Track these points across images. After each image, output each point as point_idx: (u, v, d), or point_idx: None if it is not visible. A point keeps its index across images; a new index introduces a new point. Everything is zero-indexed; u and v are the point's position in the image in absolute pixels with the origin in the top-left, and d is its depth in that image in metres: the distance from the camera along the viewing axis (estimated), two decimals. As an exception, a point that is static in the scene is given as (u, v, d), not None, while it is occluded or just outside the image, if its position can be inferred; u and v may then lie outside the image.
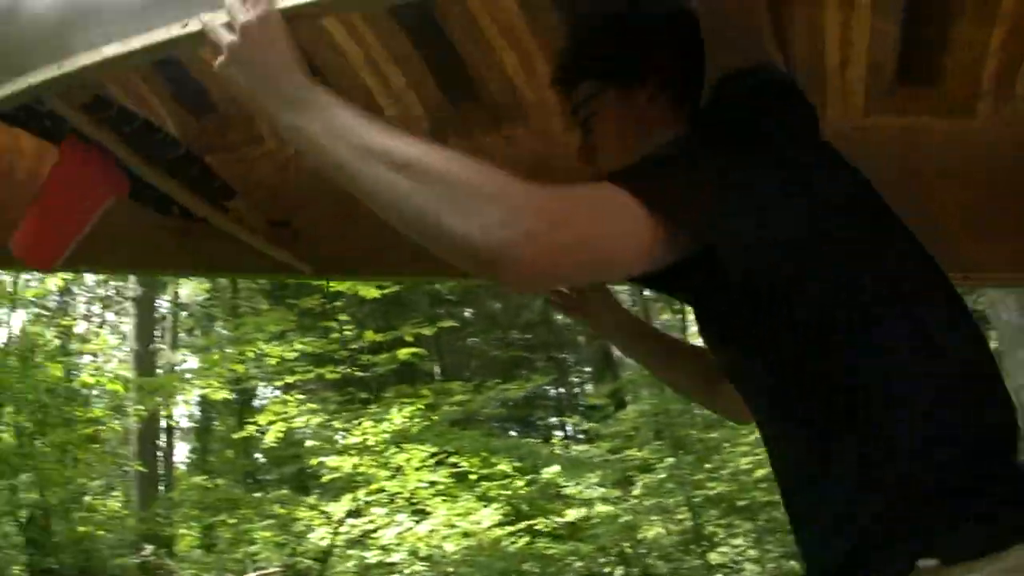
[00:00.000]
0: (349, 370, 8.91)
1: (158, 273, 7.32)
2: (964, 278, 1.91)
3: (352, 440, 8.10)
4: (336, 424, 8.71)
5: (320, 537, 7.97)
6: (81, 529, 9.01)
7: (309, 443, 9.61)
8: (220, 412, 12.25)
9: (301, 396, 9.32)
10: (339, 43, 1.66)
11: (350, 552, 7.92)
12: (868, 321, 1.06)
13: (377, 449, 7.93)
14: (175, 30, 1.12)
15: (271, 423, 8.54)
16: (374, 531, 7.83)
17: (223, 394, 9.33)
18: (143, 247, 2.11)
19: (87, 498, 9.09)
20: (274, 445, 9.02)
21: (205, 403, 11.52)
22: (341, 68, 1.73)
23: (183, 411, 11.83)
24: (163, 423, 11.54)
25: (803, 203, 1.09)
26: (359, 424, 8.06)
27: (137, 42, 1.15)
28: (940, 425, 1.01)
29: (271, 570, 7.89)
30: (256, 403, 12.17)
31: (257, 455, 11.57)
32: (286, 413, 8.54)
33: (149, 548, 8.46)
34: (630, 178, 1.00)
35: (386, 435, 7.93)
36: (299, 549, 8.03)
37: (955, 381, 1.05)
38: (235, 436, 10.34)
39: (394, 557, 7.62)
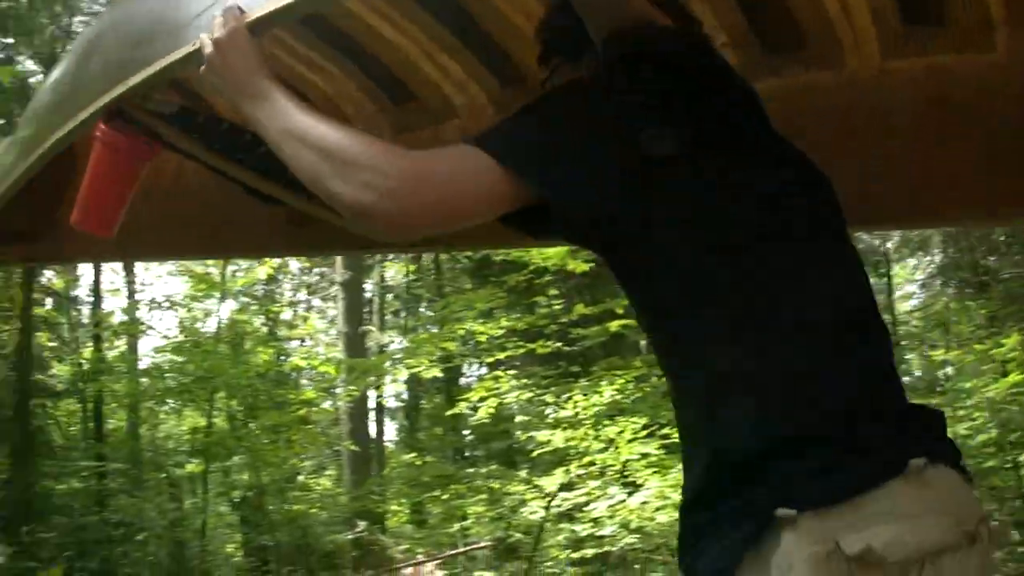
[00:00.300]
0: (559, 345, 9.07)
1: (282, 255, 7.97)
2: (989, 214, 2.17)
3: (563, 414, 8.25)
4: (546, 398, 8.90)
5: (531, 511, 8.19)
6: (295, 507, 9.68)
7: (519, 418, 9.87)
8: (428, 391, 12.77)
9: (510, 372, 9.61)
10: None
11: (560, 526, 8.15)
12: (741, 280, 1.19)
13: (588, 422, 8.04)
14: (189, 49, 1.44)
15: (483, 399, 8.86)
16: (585, 504, 7.95)
17: (433, 372, 9.73)
18: (265, 233, 2.41)
19: (300, 477, 9.74)
20: (485, 421, 9.38)
21: (413, 382, 12.10)
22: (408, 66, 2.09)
23: (392, 391, 12.45)
24: (372, 403, 12.21)
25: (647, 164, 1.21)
26: (569, 398, 8.18)
27: (164, 61, 1.48)
28: (801, 380, 1.14)
29: (482, 544, 8.16)
30: (462, 381, 12.66)
31: (465, 432, 12.04)
32: (498, 388, 8.83)
33: (362, 524, 9.02)
34: (485, 136, 1.23)
35: (597, 408, 8.01)
36: (510, 524, 8.28)
37: (818, 338, 1.17)
38: (446, 414, 10.80)
39: (605, 530, 7.72)
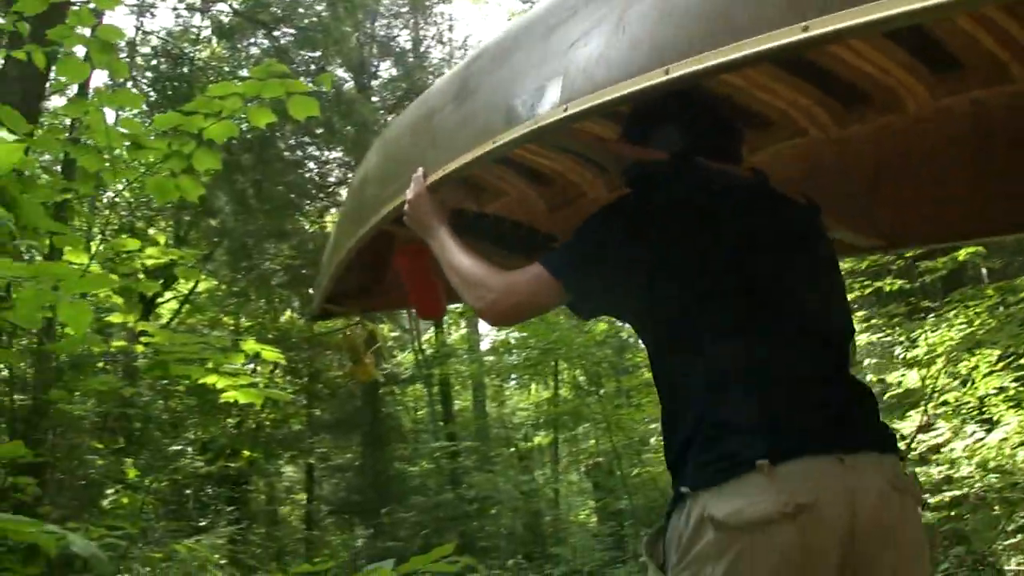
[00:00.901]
0: (905, 281, 9.21)
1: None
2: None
3: (915, 352, 8.39)
4: (896, 338, 9.13)
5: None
6: (647, 470, 10.41)
7: (867, 361, 10.02)
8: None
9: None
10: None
11: (916, 469, 8.20)
12: (677, 347, 2.04)
13: (940, 358, 8.14)
14: (400, 200, 2.48)
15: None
16: (941, 446, 8.14)
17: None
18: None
19: (653, 440, 10.55)
20: None
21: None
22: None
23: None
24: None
25: (645, 271, 2.04)
26: (920, 335, 8.35)
27: (389, 206, 2.61)
28: (708, 409, 1.93)
29: None
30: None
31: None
32: None
33: None
34: (548, 258, 2.10)
35: (948, 343, 8.09)
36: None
37: (722, 381, 1.94)
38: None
39: (962, 471, 7.86)
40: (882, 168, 2.89)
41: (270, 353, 5.09)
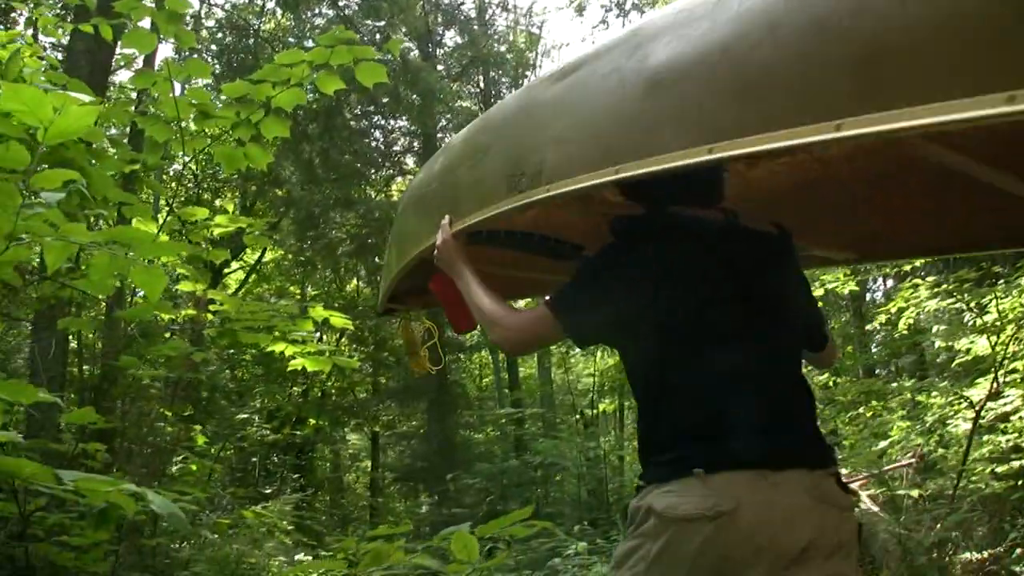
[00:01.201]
0: None
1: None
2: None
3: (984, 319, 8.24)
4: (965, 304, 8.90)
5: (953, 425, 8.34)
6: None
7: (935, 328, 9.93)
8: (835, 309, 13.10)
9: (927, 280, 9.71)
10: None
11: (985, 438, 8.20)
12: (671, 363, 2.30)
13: (1010, 325, 8.00)
14: (433, 241, 2.84)
15: (901, 311, 9.29)
16: (1012, 414, 7.89)
17: (849, 287, 10.09)
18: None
19: None
20: (903, 333, 9.63)
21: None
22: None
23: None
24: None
25: (636, 299, 2.32)
26: (990, 301, 8.23)
27: (423, 245, 2.97)
28: (666, 420, 2.31)
29: (905, 462, 8.32)
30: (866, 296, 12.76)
31: (873, 348, 12.21)
32: (917, 297, 9.15)
33: None
34: (552, 299, 2.43)
35: (1020, 309, 8.03)
36: (931, 439, 8.41)
37: (680, 400, 2.29)
38: (851, 331, 10.99)
39: None
40: (868, 181, 2.93)
41: (338, 319, 5.13)
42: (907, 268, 10.36)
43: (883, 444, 8.67)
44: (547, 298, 2.46)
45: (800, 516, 2.11)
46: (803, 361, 2.64)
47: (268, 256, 22.23)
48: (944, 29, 1.42)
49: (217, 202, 18.29)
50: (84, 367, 8.47)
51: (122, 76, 15.01)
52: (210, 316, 5.12)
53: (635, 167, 1.92)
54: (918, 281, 9.76)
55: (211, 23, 18.91)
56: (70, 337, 8.31)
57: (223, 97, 4.04)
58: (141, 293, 9.05)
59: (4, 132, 2.37)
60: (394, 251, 3.45)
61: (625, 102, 2.05)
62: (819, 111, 1.54)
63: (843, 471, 9.23)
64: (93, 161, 3.80)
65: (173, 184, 16.08)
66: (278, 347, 4.97)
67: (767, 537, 2.06)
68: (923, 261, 10.07)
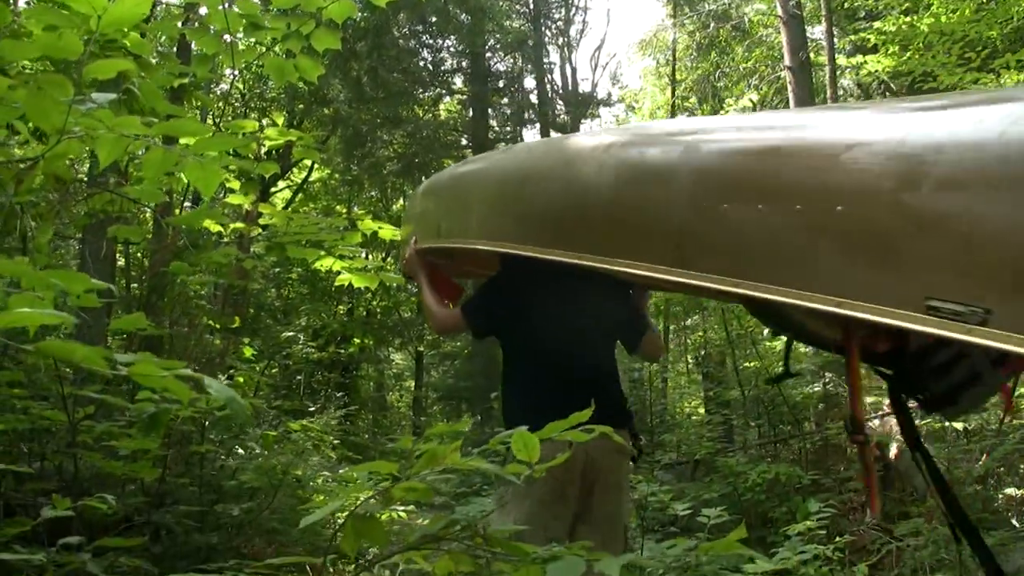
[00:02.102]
0: None
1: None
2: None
3: None
4: None
5: None
6: (755, 363, 10.36)
7: None
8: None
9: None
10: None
11: None
12: (520, 354, 3.61)
13: None
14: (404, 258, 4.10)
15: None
16: None
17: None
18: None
19: (767, 330, 10.45)
20: None
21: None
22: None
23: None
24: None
25: (508, 310, 3.58)
26: None
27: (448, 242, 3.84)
28: (524, 394, 3.56)
29: None
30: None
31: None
32: None
33: (828, 376, 9.54)
34: (465, 303, 3.78)
35: None
36: None
37: (536, 378, 3.51)
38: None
39: None
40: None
41: (387, 230, 5.15)
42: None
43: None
44: (462, 304, 3.77)
45: (604, 455, 3.34)
46: (614, 351, 3.75)
47: (315, 175, 22.34)
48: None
49: (264, 121, 18.33)
50: (132, 285, 8.60)
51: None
52: (258, 230, 5.14)
53: (489, 244, 3.17)
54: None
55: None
56: (118, 254, 8.41)
57: (273, 8, 4.02)
58: (189, 206, 9.15)
59: (57, 23, 2.37)
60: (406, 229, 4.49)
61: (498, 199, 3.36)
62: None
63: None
64: (142, 74, 3.81)
65: (220, 104, 16.16)
66: (325, 263, 5.00)
67: (586, 465, 3.32)
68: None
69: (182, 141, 3.39)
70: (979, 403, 2.67)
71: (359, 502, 1.89)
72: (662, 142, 2.58)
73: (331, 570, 4.77)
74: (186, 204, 8.83)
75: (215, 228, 4.94)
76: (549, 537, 3.09)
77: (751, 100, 15.26)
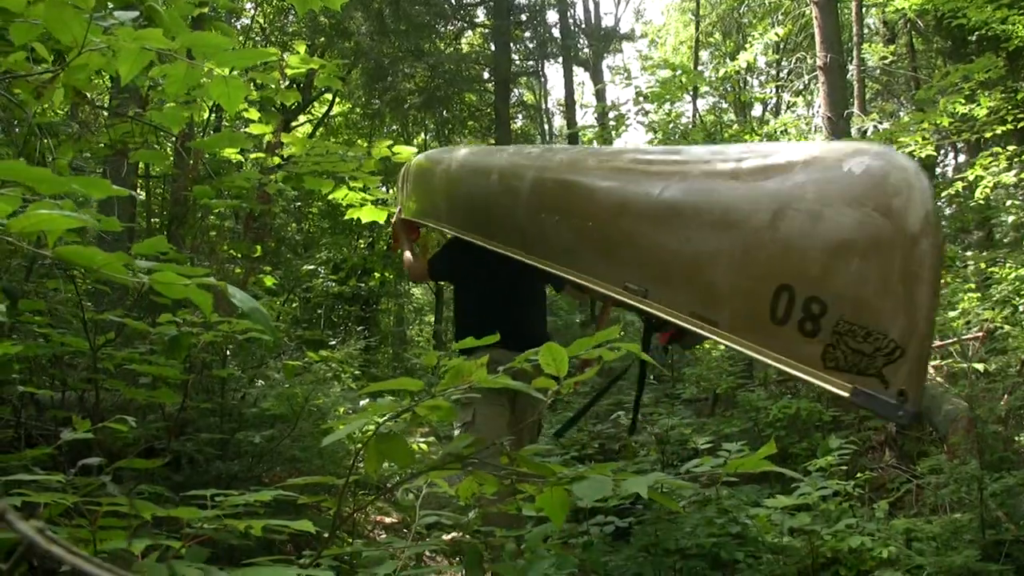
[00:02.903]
0: None
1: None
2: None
3: None
4: None
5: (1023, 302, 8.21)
6: None
7: (1009, 202, 9.76)
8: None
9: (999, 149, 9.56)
10: None
11: None
12: (469, 296, 4.88)
13: None
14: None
15: (978, 179, 9.12)
16: None
17: (927, 151, 9.93)
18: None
19: None
20: (979, 201, 9.51)
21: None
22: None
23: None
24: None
25: (461, 264, 4.83)
26: None
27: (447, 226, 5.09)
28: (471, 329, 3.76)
29: (971, 335, 8.20)
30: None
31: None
32: (997, 165, 9.15)
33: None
34: (431, 258, 5.07)
35: None
36: (999, 314, 8.28)
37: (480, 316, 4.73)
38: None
39: None
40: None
41: (405, 152, 5.10)
42: (987, 136, 10.12)
43: (952, 314, 8.54)
44: (429, 260, 4.93)
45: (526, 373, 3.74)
46: (544, 294, 4.96)
47: (336, 109, 22.19)
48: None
49: (286, 55, 18.15)
50: (153, 220, 8.57)
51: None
52: (278, 160, 5.09)
53: (450, 229, 4.55)
54: (998, 149, 9.55)
55: None
56: (139, 188, 8.36)
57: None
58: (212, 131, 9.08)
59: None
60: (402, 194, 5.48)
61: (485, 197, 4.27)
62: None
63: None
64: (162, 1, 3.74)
65: (241, 38, 16.01)
66: (340, 194, 4.95)
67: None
68: (1002, 129, 9.90)
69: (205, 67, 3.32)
70: (693, 343, 5.38)
71: (382, 421, 1.85)
72: (528, 168, 3.89)
73: (354, 494, 4.79)
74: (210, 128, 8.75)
75: (236, 157, 4.90)
76: (500, 426, 4.32)
77: (776, 34, 15.02)
